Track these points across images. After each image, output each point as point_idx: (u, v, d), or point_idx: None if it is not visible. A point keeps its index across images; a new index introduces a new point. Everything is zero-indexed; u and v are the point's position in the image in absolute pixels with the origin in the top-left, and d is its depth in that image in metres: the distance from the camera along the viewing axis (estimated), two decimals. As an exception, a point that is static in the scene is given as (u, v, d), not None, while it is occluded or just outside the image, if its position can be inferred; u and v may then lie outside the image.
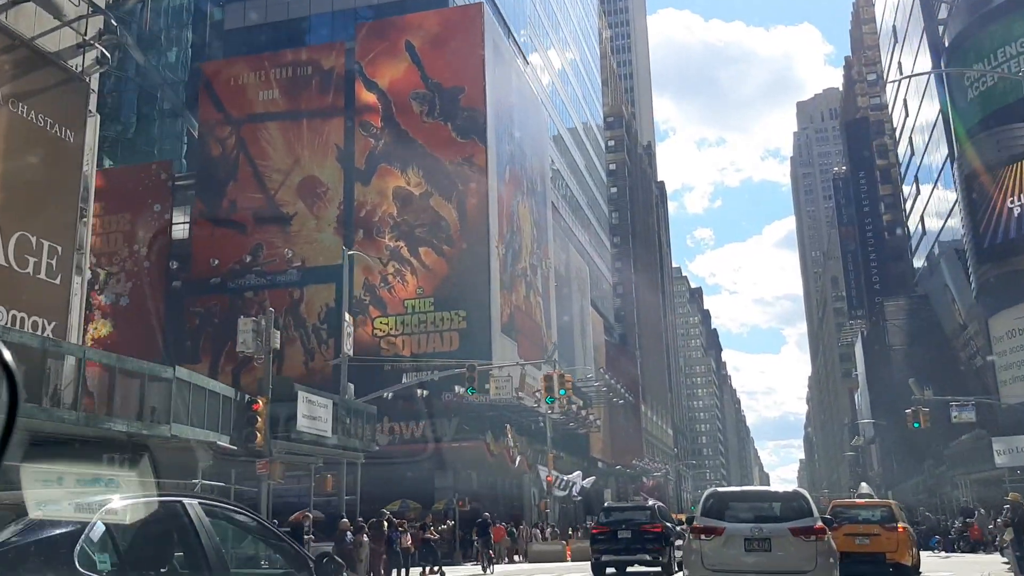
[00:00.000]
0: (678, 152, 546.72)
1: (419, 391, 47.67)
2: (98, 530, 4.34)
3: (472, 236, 49.91)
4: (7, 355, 2.17)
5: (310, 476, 27.11)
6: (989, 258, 47.82)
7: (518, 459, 53.46)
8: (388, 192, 51.20)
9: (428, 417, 47.90)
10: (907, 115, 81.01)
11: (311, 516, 25.51)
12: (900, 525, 20.43)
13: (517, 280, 54.81)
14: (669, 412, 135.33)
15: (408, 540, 24.34)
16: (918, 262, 80.00)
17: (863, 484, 28.53)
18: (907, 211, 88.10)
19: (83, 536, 4.17)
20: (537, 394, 50.72)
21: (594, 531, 24.08)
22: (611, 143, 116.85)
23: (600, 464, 78.97)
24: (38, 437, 15.39)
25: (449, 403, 47.83)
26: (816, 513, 12.71)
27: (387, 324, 49.43)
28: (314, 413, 23.67)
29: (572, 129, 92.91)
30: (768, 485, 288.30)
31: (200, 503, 4.96)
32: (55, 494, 5.24)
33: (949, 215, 55.91)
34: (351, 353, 30.05)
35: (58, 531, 4.14)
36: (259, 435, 21.23)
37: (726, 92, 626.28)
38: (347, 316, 29.73)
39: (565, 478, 61.75)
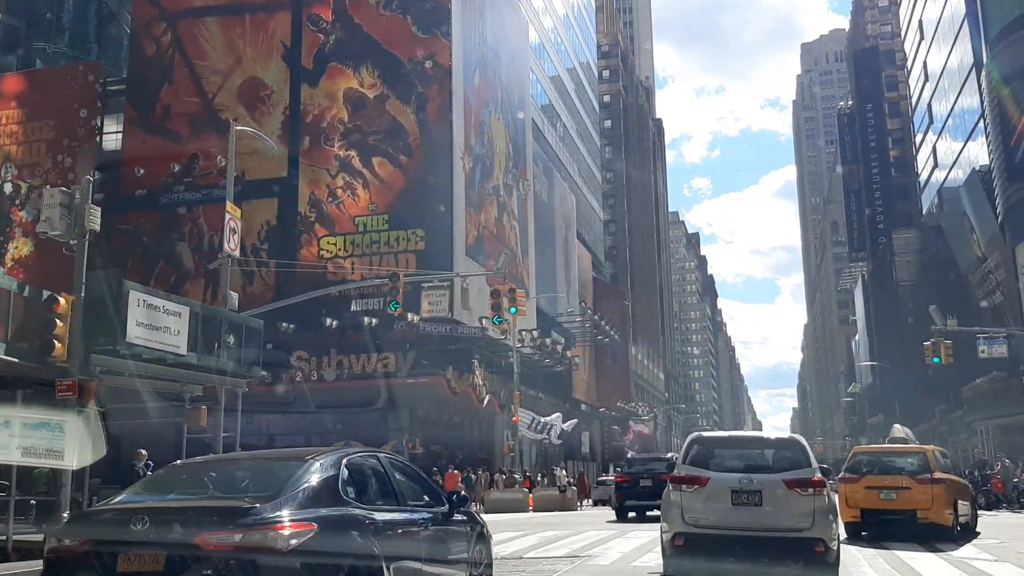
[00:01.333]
0: (677, 100, 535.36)
1: (366, 319, 41.43)
2: (359, 468, 7.41)
3: (433, 145, 43.26)
4: None
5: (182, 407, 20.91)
6: (1021, 174, 41.26)
7: (487, 398, 47.43)
8: (338, 95, 44.39)
9: (376, 349, 41.73)
10: (922, 37, 73.70)
11: (144, 454, 19.56)
12: (937, 475, 16.13)
13: (487, 199, 48.24)
14: (661, 356, 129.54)
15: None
16: (927, 200, 73.34)
17: (896, 427, 22.48)
18: (917, 144, 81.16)
19: (340, 479, 6.85)
20: (504, 324, 44.64)
21: (618, 479, 26.90)
22: (606, 73, 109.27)
23: (584, 406, 73.14)
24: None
25: (404, 333, 41.60)
26: (814, 463, 10.80)
27: (335, 244, 43.01)
28: (157, 322, 17.39)
29: (571, 69, 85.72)
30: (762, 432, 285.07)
31: (385, 456, 8.21)
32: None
33: (971, 134, 49.18)
34: (236, 252, 23.75)
35: (325, 475, 6.74)
36: (58, 344, 14.95)
37: (727, 39, 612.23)
38: (229, 207, 23.28)
39: (543, 420, 55.92)
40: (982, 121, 49.64)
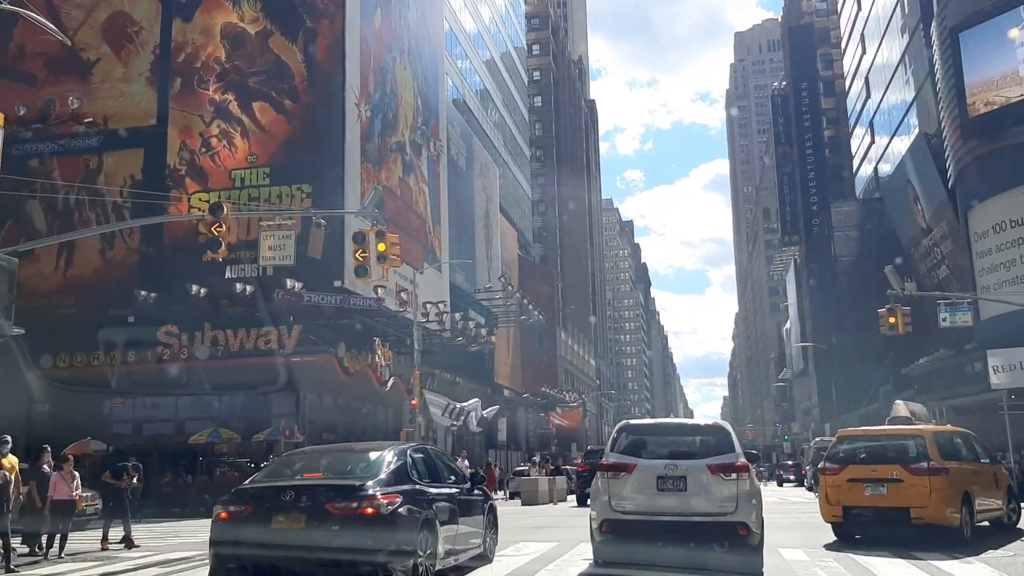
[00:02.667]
0: (611, 93, 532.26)
1: (241, 286, 35.34)
2: (418, 455, 10.31)
3: (323, 89, 37.28)
4: None
5: None
6: (978, 132, 36.89)
7: (390, 381, 41.63)
8: (215, 30, 38.07)
9: (256, 324, 35.69)
10: (859, 8, 69.85)
11: None
12: (935, 463, 12.61)
13: (389, 156, 42.36)
14: (593, 343, 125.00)
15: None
16: (862, 181, 69.49)
17: (898, 403, 17.71)
18: (852, 123, 77.53)
19: (407, 464, 9.72)
20: (402, 295, 38.90)
21: (579, 469, 30.47)
22: (535, 48, 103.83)
23: (507, 392, 67.81)
24: None
25: (286, 302, 35.66)
26: (738, 449, 10.66)
27: (208, 201, 36.65)
28: None
29: (505, 53, 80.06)
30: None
31: (429, 448, 11.62)
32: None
33: (917, 95, 44.83)
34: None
35: (399, 462, 9.64)
36: None
37: (659, 33, 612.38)
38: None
39: (459, 406, 50.34)
40: (928, 80, 45.41)
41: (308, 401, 38.46)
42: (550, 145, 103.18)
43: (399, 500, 8.87)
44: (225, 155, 37.02)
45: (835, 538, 13.59)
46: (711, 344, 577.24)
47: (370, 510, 8.59)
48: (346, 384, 38.84)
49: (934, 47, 40.84)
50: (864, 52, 68.17)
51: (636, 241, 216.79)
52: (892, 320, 25.90)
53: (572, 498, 33.89)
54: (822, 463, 13.97)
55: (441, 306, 42.29)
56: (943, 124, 40.75)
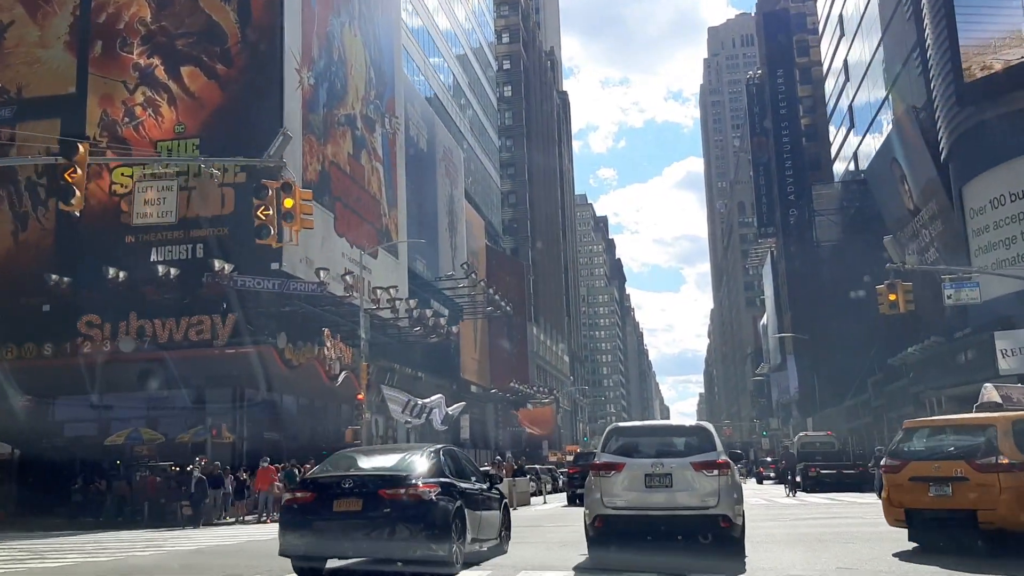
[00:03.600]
0: (583, 91, 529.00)
1: (163, 268, 31.52)
2: (449, 455, 11.63)
3: (259, 53, 33.58)
4: None
5: None
6: (974, 99, 33.73)
7: (341, 375, 37.99)
8: (140, -13, 34.30)
9: (186, 313, 31.91)
10: (838, -13, 66.75)
11: None
12: (1006, 459, 10.08)
13: (337, 129, 38.64)
14: (567, 338, 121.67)
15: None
16: (842, 165, 66.52)
17: (987, 387, 13.36)
18: (831, 109, 74.54)
19: (440, 461, 11.05)
20: (347, 278, 35.19)
21: (570, 471, 33.04)
22: (504, 36, 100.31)
23: (474, 388, 64.25)
24: None
25: (216, 289, 31.90)
26: (720, 447, 11.45)
27: (131, 176, 32.85)
28: None
29: (477, 49, 76.48)
30: (668, 418, 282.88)
31: (456, 449, 12.81)
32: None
33: (908, 58, 41.60)
34: None
35: (435, 459, 11.04)
36: None
37: (631, 31, 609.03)
38: None
39: (420, 402, 46.75)
40: (917, 50, 42.24)
41: (247, 397, 34.77)
42: (520, 135, 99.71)
43: (438, 490, 10.28)
44: (150, 125, 33.23)
45: (910, 548, 11.31)
46: (686, 342, 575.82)
47: (415, 496, 9.97)
48: (290, 379, 35.19)
49: (924, 8, 37.67)
50: (843, 34, 65.17)
51: (611, 237, 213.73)
52: (892, 297, 22.65)
53: (563, 497, 36.05)
54: (884, 460, 12.24)
55: (393, 292, 38.61)
56: (934, 94, 37.60)
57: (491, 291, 59.93)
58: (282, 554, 10.25)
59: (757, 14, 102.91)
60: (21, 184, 33.82)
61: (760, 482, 52.72)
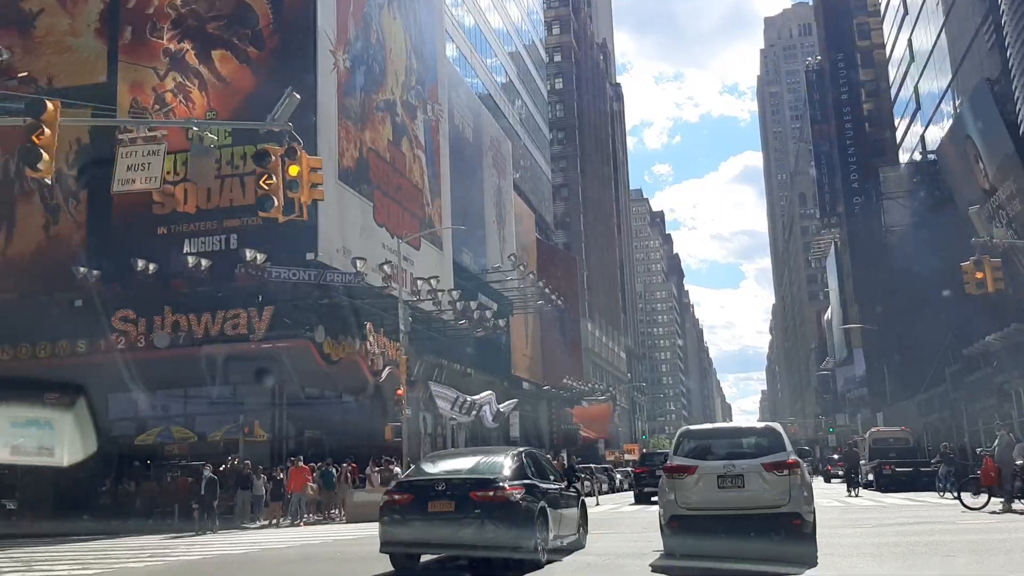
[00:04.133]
0: (636, 87, 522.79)
1: (193, 259, 30.23)
2: (531, 457, 12.44)
3: (292, 34, 32.15)
4: None
5: None
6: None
7: (385, 371, 36.41)
8: (169, -30, 33.12)
9: (222, 306, 30.60)
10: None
11: None
12: None
13: (376, 114, 37.05)
14: (623, 335, 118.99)
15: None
16: (904, 156, 62.90)
17: None
18: (895, 94, 70.83)
19: (523, 464, 11.87)
20: (385, 268, 33.52)
21: (636, 471, 34.42)
22: (555, 28, 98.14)
23: (526, 385, 62.36)
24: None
25: (250, 280, 30.54)
26: (789, 447, 11.78)
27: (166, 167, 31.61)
28: None
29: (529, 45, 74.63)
30: (730, 416, 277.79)
31: (536, 451, 13.56)
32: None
33: (977, 33, 38.44)
34: None
35: (518, 462, 11.81)
36: None
37: (683, 26, 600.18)
38: None
39: (470, 399, 45.12)
40: (990, 19, 39.11)
41: (286, 393, 33.41)
42: (572, 127, 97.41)
43: (523, 491, 11.06)
44: (181, 112, 31.95)
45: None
46: (747, 338, 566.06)
47: (503, 497, 10.74)
48: (331, 374, 33.70)
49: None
50: (906, 14, 61.65)
51: (667, 232, 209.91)
52: (980, 275, 20.12)
53: (617, 498, 37.35)
54: None
55: (434, 283, 36.86)
56: (1011, 63, 34.57)
57: (541, 284, 57.86)
58: (382, 550, 11.10)
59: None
60: (54, 176, 32.85)
61: (828, 480, 50.12)
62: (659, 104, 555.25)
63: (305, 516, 26.12)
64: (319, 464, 27.69)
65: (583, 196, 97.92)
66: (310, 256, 30.70)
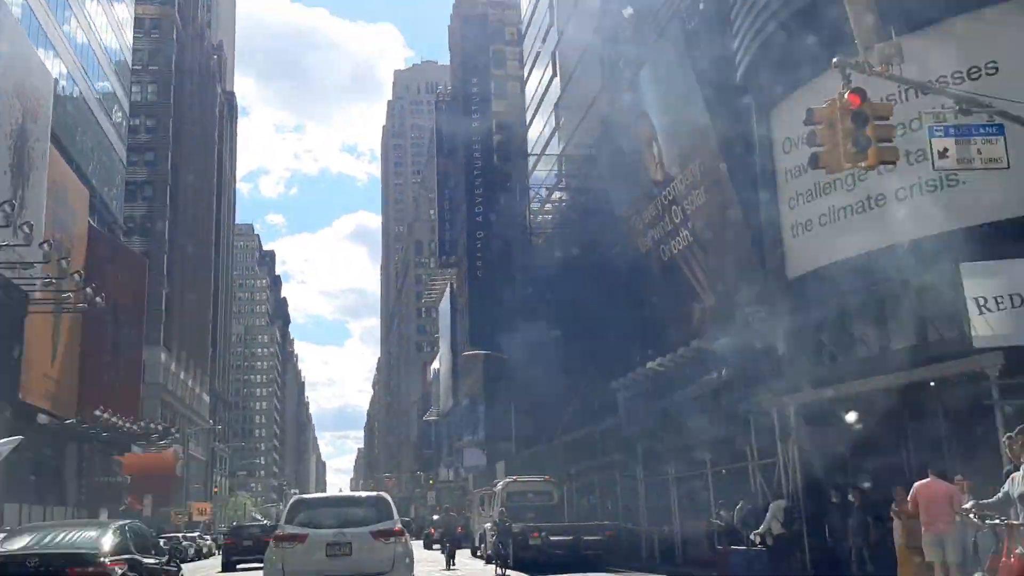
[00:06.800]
0: (255, 133, 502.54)
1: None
2: (133, 531, 11.58)
3: None
4: None
5: None
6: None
7: None
8: None
9: None
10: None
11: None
12: None
13: None
14: (209, 375, 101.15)
15: None
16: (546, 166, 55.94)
17: None
18: (531, 112, 64.59)
19: (129, 536, 11.07)
20: None
21: (227, 542, 32.16)
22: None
23: (42, 417, 43.98)
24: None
25: None
26: (396, 516, 12.86)
27: None
28: None
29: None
30: (324, 474, 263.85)
31: (138, 524, 12.85)
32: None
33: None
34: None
35: (115, 539, 10.70)
36: None
37: (310, 79, 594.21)
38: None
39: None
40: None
41: None
42: (166, 119, 80.00)
43: (125, 567, 10.34)
44: None
45: None
46: (347, 396, 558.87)
47: (104, 574, 9.84)
48: None
49: None
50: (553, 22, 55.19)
51: (276, 274, 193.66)
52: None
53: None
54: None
55: None
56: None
57: (92, 289, 40.50)
58: None
59: (454, 17, 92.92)
60: None
61: (428, 547, 40.50)
62: (278, 153, 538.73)
63: None
64: None
65: (173, 200, 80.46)
66: None
